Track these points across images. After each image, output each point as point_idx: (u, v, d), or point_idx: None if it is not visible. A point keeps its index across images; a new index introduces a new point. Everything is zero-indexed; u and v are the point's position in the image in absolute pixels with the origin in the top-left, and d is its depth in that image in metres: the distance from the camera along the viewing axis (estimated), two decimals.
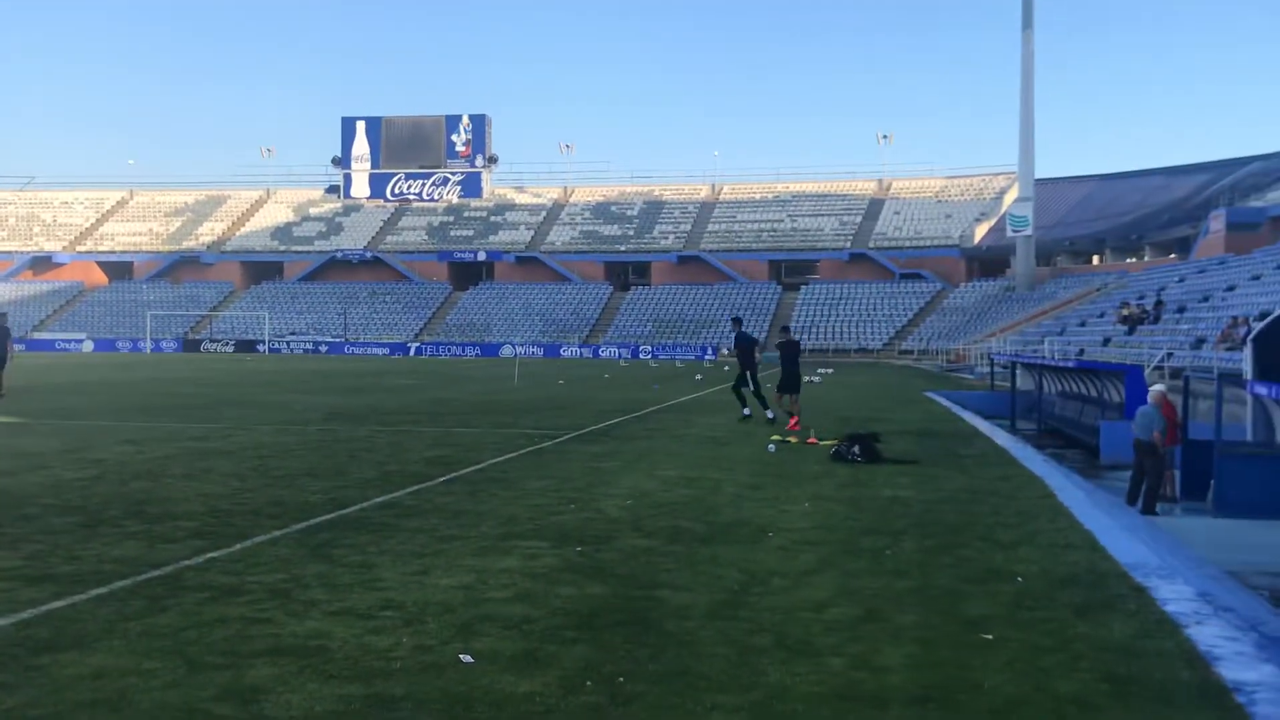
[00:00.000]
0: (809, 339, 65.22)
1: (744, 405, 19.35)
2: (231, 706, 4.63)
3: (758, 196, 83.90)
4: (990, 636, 5.72)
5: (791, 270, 77.10)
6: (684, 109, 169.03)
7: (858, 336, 65.57)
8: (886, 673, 5.16)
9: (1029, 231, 62.93)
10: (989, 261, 71.32)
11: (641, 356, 63.60)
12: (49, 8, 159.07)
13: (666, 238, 79.50)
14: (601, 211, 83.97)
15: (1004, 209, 71.60)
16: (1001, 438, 16.84)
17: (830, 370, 44.00)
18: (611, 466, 12.69)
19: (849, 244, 75.15)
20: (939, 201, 78.76)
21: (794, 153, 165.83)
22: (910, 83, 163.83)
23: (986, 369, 38.05)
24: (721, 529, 8.78)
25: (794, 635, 5.74)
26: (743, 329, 20.57)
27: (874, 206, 79.63)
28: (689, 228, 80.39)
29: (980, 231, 73.43)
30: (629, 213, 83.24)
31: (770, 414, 18.66)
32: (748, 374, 19.33)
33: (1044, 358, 31.29)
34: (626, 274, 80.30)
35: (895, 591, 6.72)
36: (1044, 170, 74.06)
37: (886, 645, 5.57)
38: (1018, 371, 26.56)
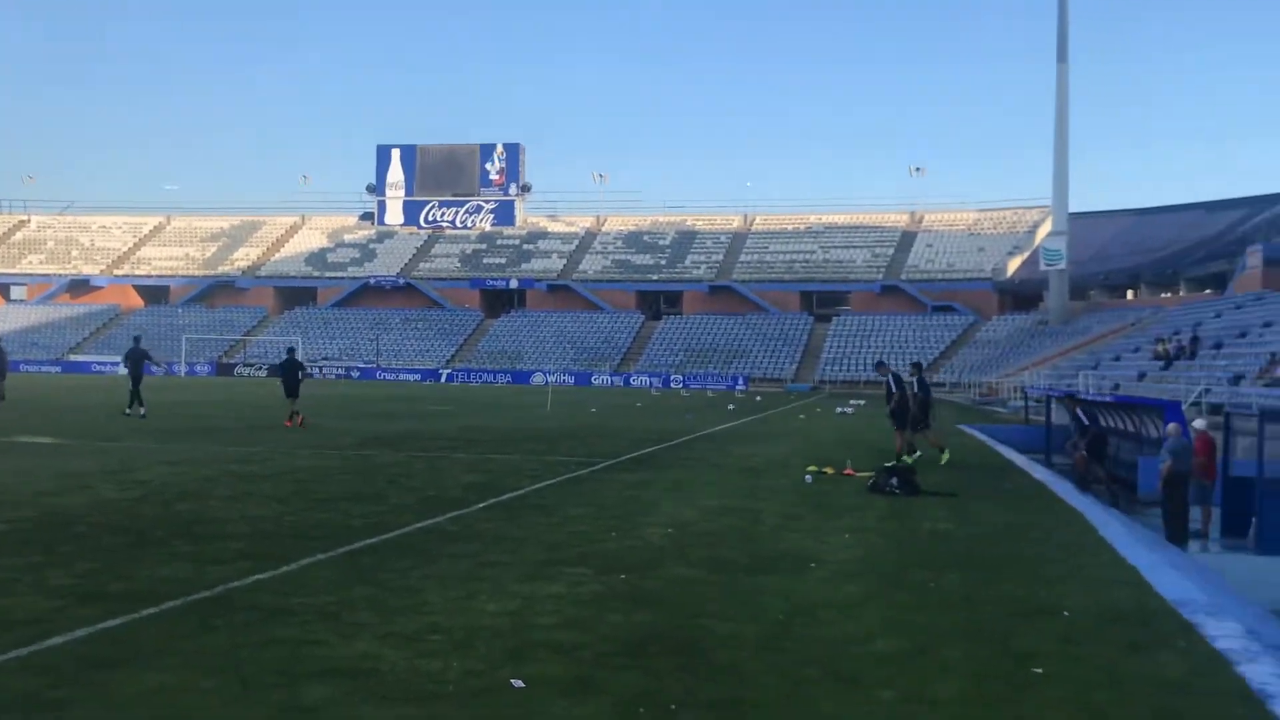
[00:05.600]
0: (840, 370, 65.04)
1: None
2: None
3: (790, 227, 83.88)
4: (1041, 671, 5.70)
5: (823, 301, 76.85)
6: (717, 140, 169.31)
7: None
8: (939, 706, 5.15)
9: (1063, 265, 62.51)
10: (1022, 295, 70.87)
11: (673, 386, 63.55)
12: (85, 38, 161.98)
13: (699, 267, 79.58)
14: (634, 241, 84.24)
15: (1037, 242, 71.05)
16: (1039, 472, 16.73)
17: (862, 402, 43.83)
18: (650, 495, 12.70)
19: (881, 276, 74.94)
20: (971, 234, 78.45)
21: (826, 185, 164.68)
22: (942, 115, 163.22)
23: (1019, 403, 37.83)
24: (764, 560, 8.78)
25: (844, 667, 5.74)
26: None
27: (906, 239, 79.41)
28: (721, 258, 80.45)
29: (1013, 265, 73.00)
30: (661, 242, 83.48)
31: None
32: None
33: (1082, 391, 31.01)
34: (658, 303, 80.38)
35: (943, 625, 6.70)
36: (1078, 204, 72.82)
37: (937, 679, 5.56)
38: (1052, 406, 26.37)
